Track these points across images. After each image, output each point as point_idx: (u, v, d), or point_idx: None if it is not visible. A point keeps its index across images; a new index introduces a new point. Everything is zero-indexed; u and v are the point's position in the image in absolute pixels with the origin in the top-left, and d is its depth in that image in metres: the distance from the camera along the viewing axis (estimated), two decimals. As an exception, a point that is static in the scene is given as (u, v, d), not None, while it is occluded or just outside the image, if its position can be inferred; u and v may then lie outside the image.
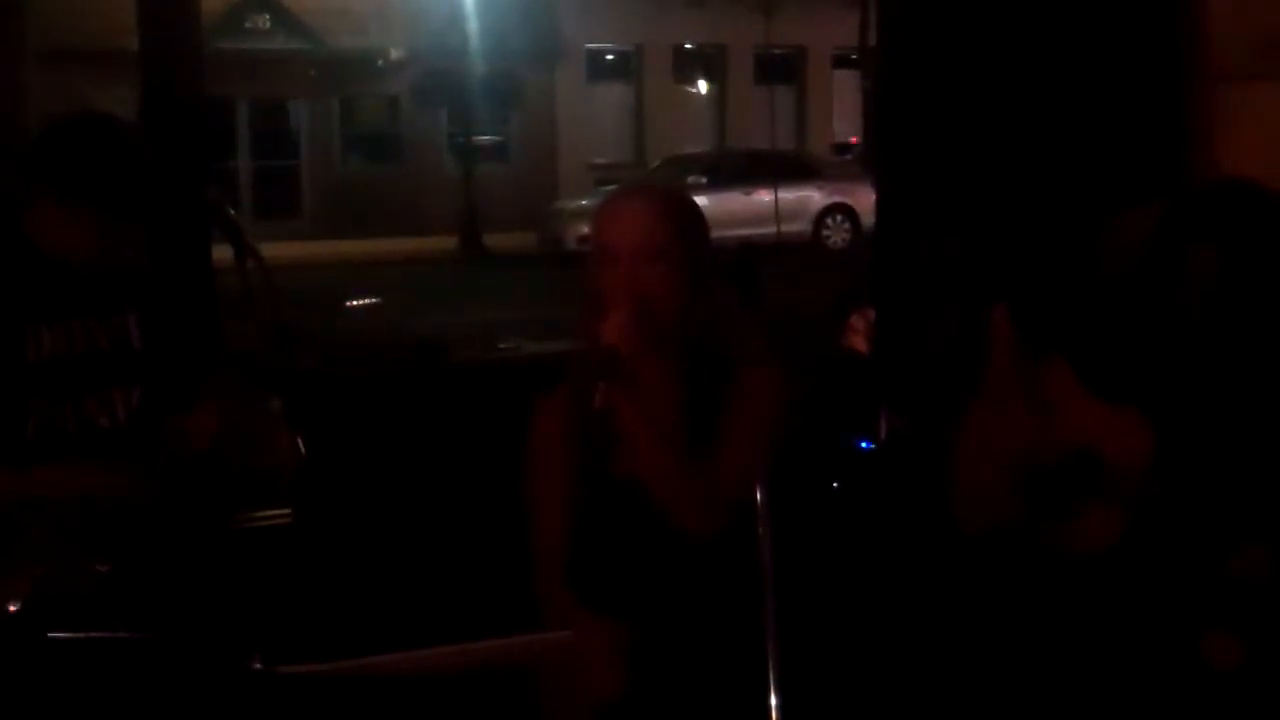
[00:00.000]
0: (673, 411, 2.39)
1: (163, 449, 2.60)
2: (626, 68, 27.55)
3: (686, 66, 27.79)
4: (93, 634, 1.66)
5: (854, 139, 26.17)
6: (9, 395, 2.53)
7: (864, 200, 18.48)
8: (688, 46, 27.55)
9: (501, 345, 4.24)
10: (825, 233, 20.90)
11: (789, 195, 19.40)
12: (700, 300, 2.42)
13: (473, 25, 22.50)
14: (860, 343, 4.65)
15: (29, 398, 2.54)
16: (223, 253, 2.74)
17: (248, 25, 23.92)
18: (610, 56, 27.38)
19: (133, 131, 2.67)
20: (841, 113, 27.24)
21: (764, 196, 18.61)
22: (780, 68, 26.87)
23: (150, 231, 2.65)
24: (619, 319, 2.32)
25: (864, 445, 3.85)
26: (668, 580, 2.36)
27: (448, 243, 21.99)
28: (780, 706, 2.28)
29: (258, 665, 1.58)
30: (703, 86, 27.99)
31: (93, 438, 2.59)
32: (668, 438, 2.35)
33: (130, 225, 2.57)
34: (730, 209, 19.46)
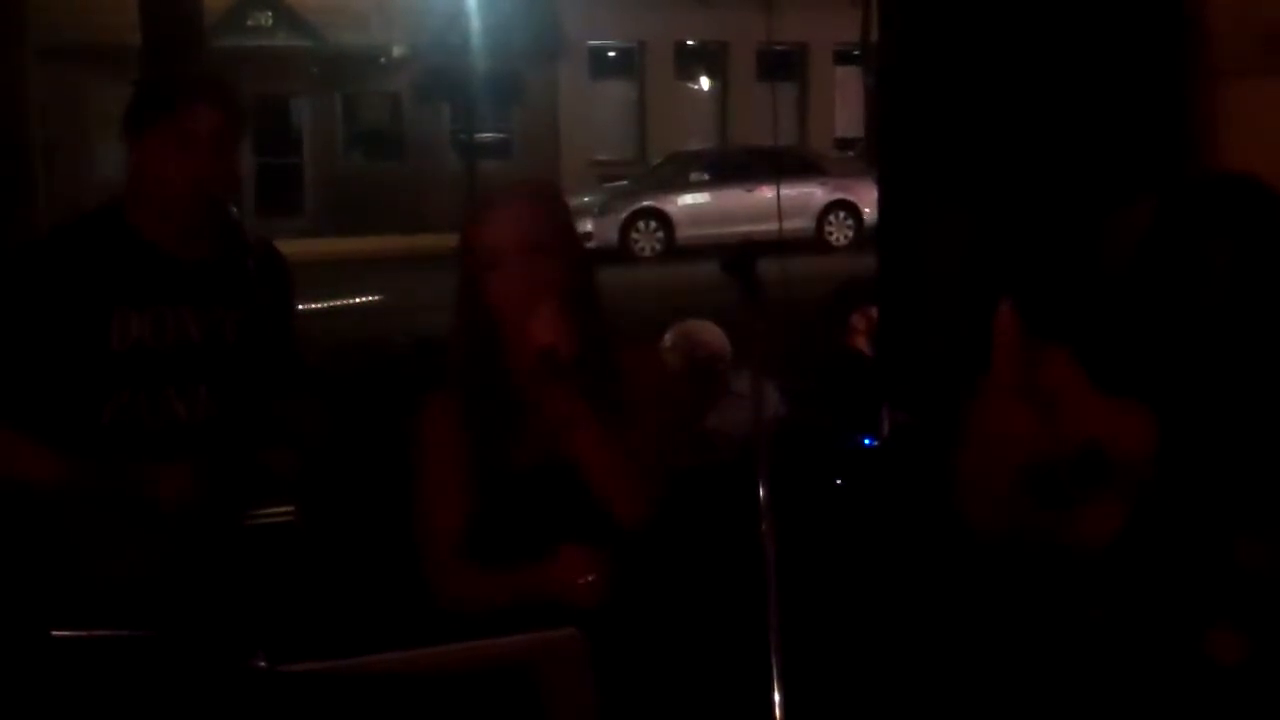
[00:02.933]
0: (582, 397, 2.39)
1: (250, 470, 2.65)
2: (629, 64, 27.55)
3: (689, 63, 27.79)
4: (96, 632, 1.66)
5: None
6: (88, 380, 2.53)
7: (867, 197, 18.47)
8: (690, 43, 27.55)
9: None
10: (828, 229, 20.89)
11: (791, 192, 19.38)
12: (587, 288, 2.44)
13: (475, 22, 22.48)
14: (862, 341, 4.65)
15: (110, 384, 2.54)
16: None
17: (249, 22, 23.93)
18: (612, 53, 27.37)
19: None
20: (844, 109, 27.23)
21: (766, 193, 18.59)
22: (782, 64, 26.84)
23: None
24: (550, 317, 2.31)
25: (866, 442, 3.85)
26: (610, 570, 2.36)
27: (450, 240, 21.86)
28: (784, 703, 2.28)
29: (261, 663, 1.58)
30: (705, 83, 27.99)
31: (168, 430, 2.59)
32: (593, 421, 2.35)
33: (234, 135, 2.60)
34: (732, 205, 19.48)
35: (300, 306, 2.95)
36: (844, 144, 26.81)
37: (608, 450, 2.35)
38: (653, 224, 20.55)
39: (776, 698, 2.05)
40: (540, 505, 2.38)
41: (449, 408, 2.46)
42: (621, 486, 2.34)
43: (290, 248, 3.12)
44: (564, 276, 2.39)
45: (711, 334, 4.35)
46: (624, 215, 20.38)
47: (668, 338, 4.31)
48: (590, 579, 2.28)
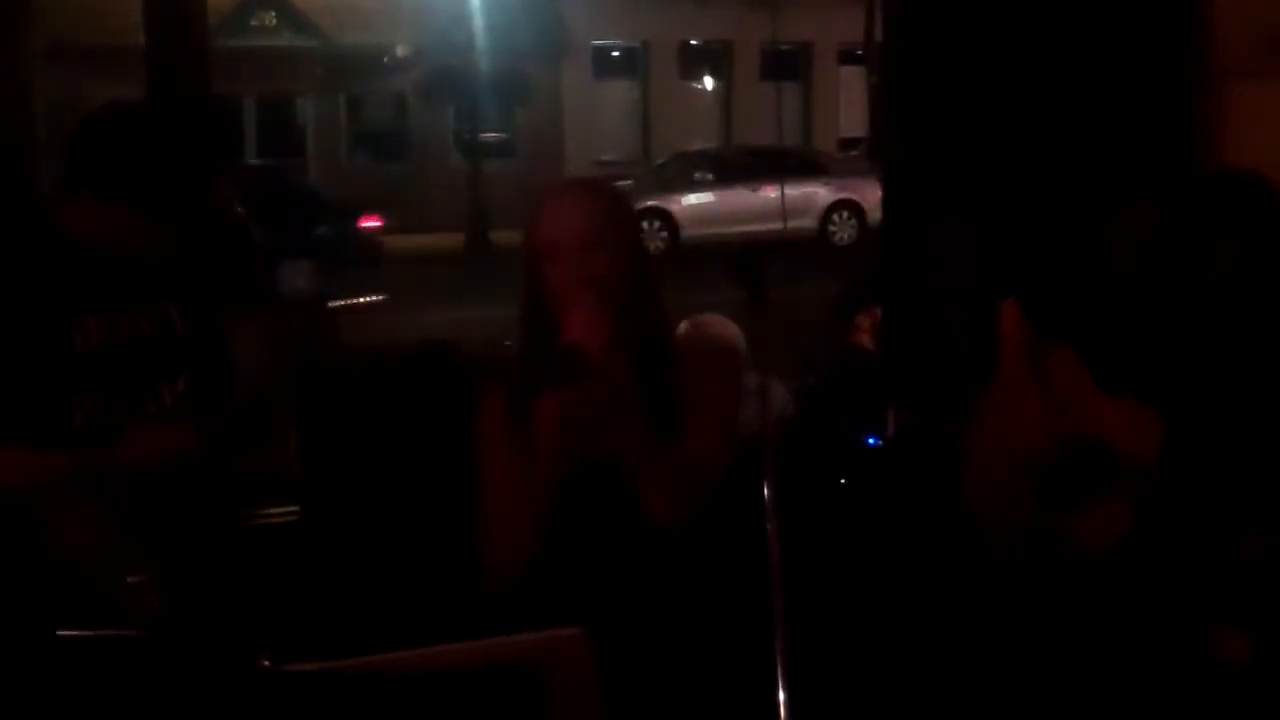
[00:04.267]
0: (629, 398, 2.37)
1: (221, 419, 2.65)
2: (633, 64, 27.56)
3: (693, 63, 27.80)
4: (100, 632, 1.66)
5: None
6: (55, 386, 2.53)
7: (870, 196, 18.51)
8: (694, 43, 27.56)
9: (508, 342, 4.24)
10: (831, 229, 20.90)
11: (795, 191, 19.42)
12: (645, 288, 2.43)
13: (479, 22, 22.51)
14: (866, 341, 4.64)
15: (76, 388, 2.54)
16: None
17: (254, 23, 23.96)
18: (616, 53, 27.39)
19: (167, 125, 2.69)
20: (848, 109, 27.23)
21: (770, 193, 18.61)
22: (786, 64, 26.87)
23: (184, 226, 2.67)
24: (581, 315, 2.30)
25: (871, 441, 3.85)
26: (634, 572, 2.36)
27: (454, 239, 22.02)
28: (789, 703, 2.28)
29: (266, 663, 1.58)
30: (709, 83, 28.00)
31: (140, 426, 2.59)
32: (639, 423, 2.34)
33: (167, 221, 2.59)
34: (736, 205, 19.49)
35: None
36: (848, 143, 26.82)
37: (647, 452, 2.33)
38: (657, 224, 20.55)
39: (781, 697, 2.05)
40: (589, 506, 2.38)
41: (504, 401, 2.45)
42: (658, 489, 2.33)
43: (294, 247, 3.12)
44: (618, 273, 2.37)
45: (726, 329, 4.35)
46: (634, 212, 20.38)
47: (680, 331, 4.30)
48: None
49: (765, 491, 2.56)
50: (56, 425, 2.52)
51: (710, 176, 21.37)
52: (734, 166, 21.06)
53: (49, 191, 2.69)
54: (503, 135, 25.74)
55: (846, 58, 27.03)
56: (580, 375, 2.27)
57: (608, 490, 2.36)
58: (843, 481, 3.74)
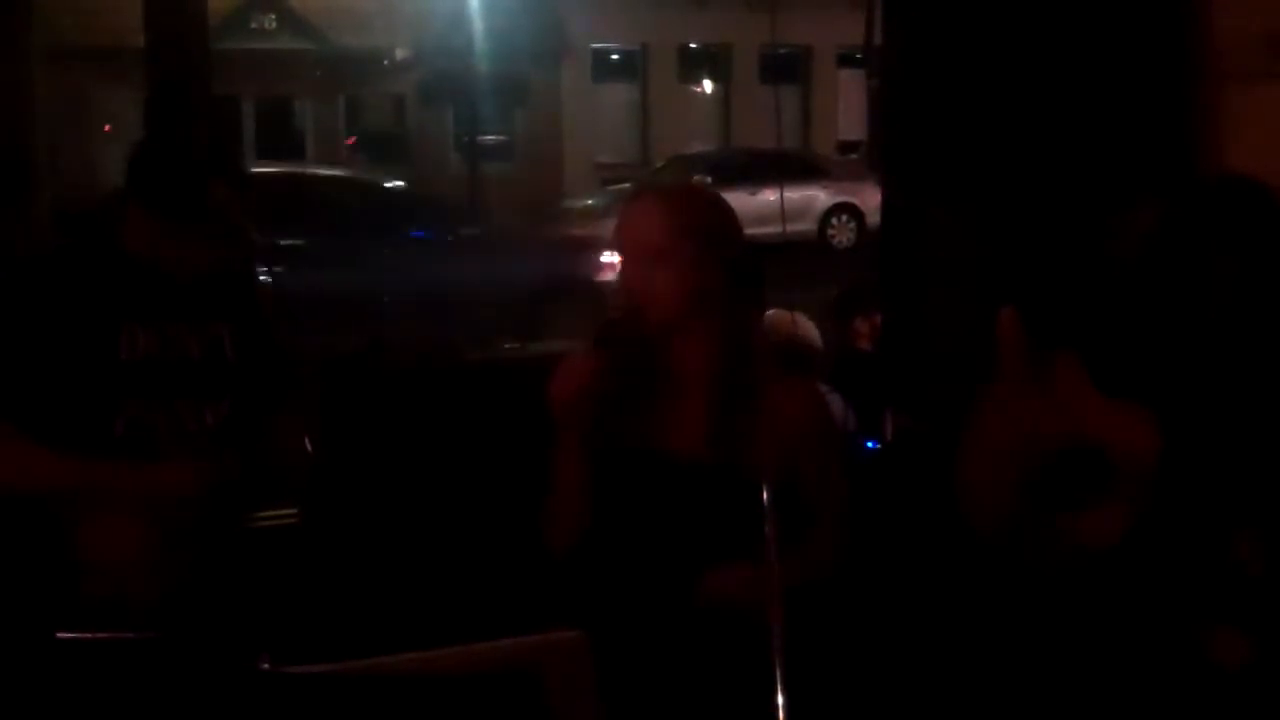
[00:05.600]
0: (698, 402, 2.39)
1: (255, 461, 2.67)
2: (632, 67, 27.54)
3: (691, 66, 27.79)
4: (100, 634, 1.66)
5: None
6: (99, 391, 2.55)
7: (869, 199, 18.47)
8: (693, 46, 27.54)
9: (506, 345, 4.25)
10: (830, 232, 20.89)
11: (794, 195, 19.40)
12: (721, 299, 2.39)
13: (478, 25, 22.51)
14: (865, 344, 4.65)
15: (121, 395, 2.56)
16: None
17: (253, 25, 23.94)
18: (615, 56, 27.37)
19: (227, 153, 2.76)
20: (847, 112, 27.22)
21: (769, 196, 18.56)
22: (785, 67, 26.84)
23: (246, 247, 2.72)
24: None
25: (870, 445, 3.85)
26: (690, 563, 2.36)
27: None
28: (787, 705, 2.28)
29: (266, 665, 1.58)
30: (708, 86, 27.99)
31: (181, 440, 2.61)
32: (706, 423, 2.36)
33: (217, 235, 2.63)
34: (735, 208, 19.40)
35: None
36: (847, 147, 26.80)
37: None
38: (656, 226, 20.53)
39: (779, 700, 2.05)
40: (650, 492, 2.39)
41: (585, 374, 2.36)
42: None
43: (294, 249, 3.13)
44: (673, 284, 2.37)
45: (804, 327, 4.36)
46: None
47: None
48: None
49: (765, 492, 2.56)
50: (98, 431, 2.54)
51: (709, 179, 21.30)
52: (733, 169, 21.02)
53: (106, 201, 2.73)
54: (502, 138, 25.72)
55: (846, 61, 27.01)
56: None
57: (668, 485, 2.37)
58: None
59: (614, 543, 2.40)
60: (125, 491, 2.50)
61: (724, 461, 2.36)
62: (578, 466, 2.36)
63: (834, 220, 21.02)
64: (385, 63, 24.83)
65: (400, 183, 15.55)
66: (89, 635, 1.62)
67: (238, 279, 2.76)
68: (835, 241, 20.71)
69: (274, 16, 24.21)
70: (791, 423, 2.38)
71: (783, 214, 17.08)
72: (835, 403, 3.96)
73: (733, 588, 2.28)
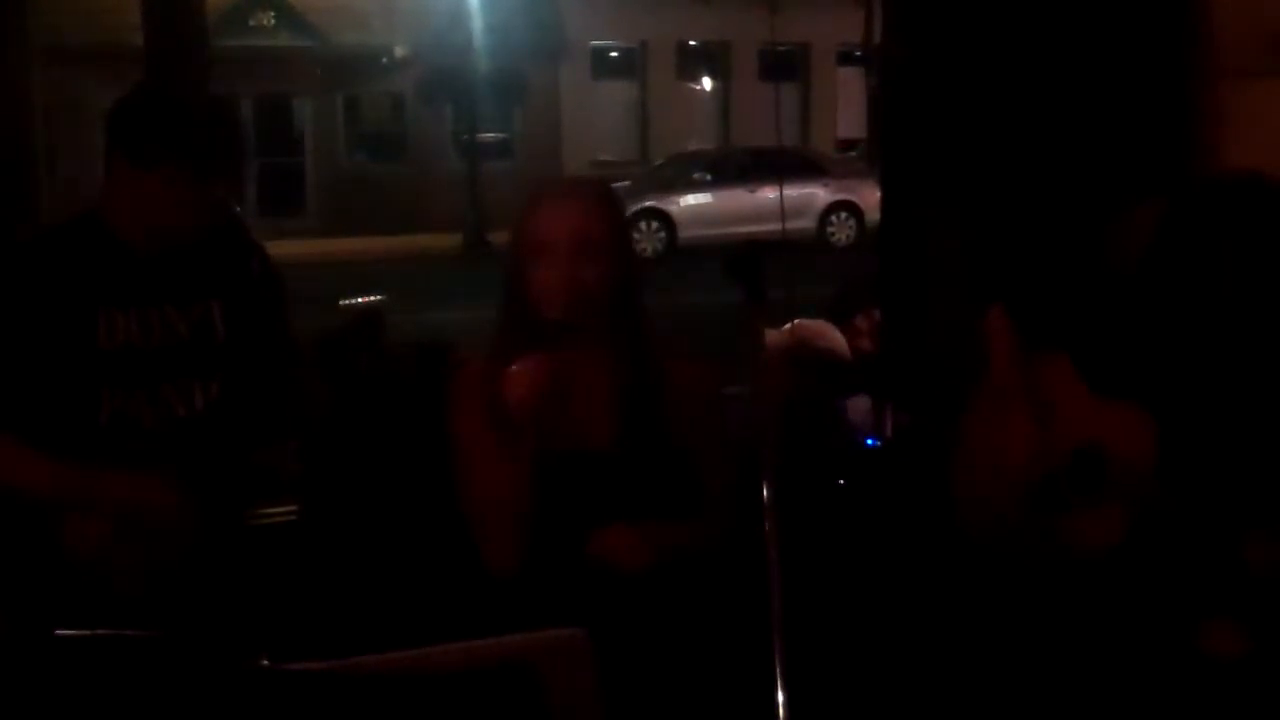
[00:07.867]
0: (608, 397, 2.42)
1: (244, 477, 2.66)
2: (631, 65, 27.56)
3: (691, 63, 27.80)
4: (99, 631, 1.66)
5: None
6: (80, 381, 2.51)
7: (869, 197, 18.48)
8: (692, 43, 27.56)
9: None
10: (830, 230, 20.90)
11: (794, 192, 19.39)
12: (632, 293, 2.45)
13: (477, 22, 22.52)
14: (865, 343, 4.64)
15: (101, 385, 2.53)
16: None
17: (252, 23, 23.95)
18: (615, 54, 27.38)
19: (209, 98, 2.69)
20: (846, 110, 27.23)
21: (768, 194, 18.59)
22: (785, 64, 26.85)
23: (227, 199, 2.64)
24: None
25: (870, 442, 3.85)
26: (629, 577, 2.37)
27: (452, 240, 22.00)
28: (787, 703, 2.28)
29: (265, 663, 1.58)
30: (707, 83, 28.00)
31: (169, 427, 2.58)
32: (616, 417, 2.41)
33: (204, 187, 2.53)
34: (735, 206, 19.47)
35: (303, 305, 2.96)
36: (846, 145, 26.82)
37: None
38: (655, 224, 20.56)
39: (780, 698, 2.05)
40: (566, 495, 2.39)
41: (480, 380, 2.44)
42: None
43: (292, 248, 3.13)
44: (605, 278, 2.39)
45: (830, 337, 4.39)
46: (626, 215, 20.38)
47: (780, 335, 4.28)
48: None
49: (764, 491, 2.56)
50: (81, 423, 2.51)
51: (708, 177, 21.37)
52: (732, 167, 21.06)
53: (101, 184, 2.66)
54: (500, 136, 25.74)
55: (845, 59, 27.03)
56: (555, 343, 2.32)
57: (592, 485, 2.38)
58: (841, 482, 3.75)
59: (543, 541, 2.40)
60: (100, 503, 2.47)
61: (636, 451, 2.42)
62: (526, 472, 2.37)
63: (833, 218, 21.04)
64: (384, 61, 24.83)
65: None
66: (87, 633, 1.62)
67: (228, 253, 2.68)
68: (835, 239, 20.72)
69: (273, 14, 24.22)
70: (687, 400, 2.45)
71: (782, 212, 17.06)
72: (862, 405, 3.96)
73: (614, 546, 2.34)
